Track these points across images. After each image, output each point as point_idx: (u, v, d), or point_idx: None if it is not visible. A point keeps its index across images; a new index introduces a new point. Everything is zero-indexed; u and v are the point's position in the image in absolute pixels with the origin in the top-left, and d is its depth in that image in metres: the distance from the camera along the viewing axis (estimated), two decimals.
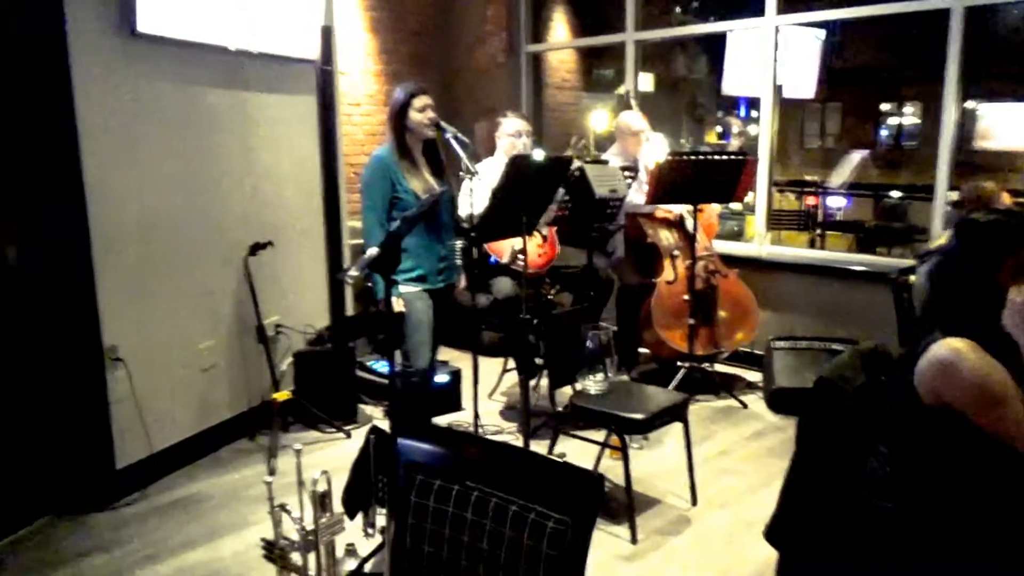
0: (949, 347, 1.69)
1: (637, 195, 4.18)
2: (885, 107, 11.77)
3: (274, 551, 2.14)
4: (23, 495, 3.02)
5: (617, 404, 2.95)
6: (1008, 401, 1.62)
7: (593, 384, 3.07)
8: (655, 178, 3.99)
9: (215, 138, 3.64)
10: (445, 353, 4.21)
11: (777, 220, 5.46)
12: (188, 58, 3.43)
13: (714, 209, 4.64)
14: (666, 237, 4.46)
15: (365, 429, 3.88)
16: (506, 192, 2.95)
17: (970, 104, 9.34)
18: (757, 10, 4.69)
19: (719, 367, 4.62)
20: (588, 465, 3.44)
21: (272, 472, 3.48)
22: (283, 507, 2.10)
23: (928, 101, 10.99)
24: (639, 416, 2.85)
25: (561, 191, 3.54)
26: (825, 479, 1.83)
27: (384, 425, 3.96)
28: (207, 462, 3.63)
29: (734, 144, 6.53)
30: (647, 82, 7.75)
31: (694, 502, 3.14)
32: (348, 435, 3.88)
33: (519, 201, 3.05)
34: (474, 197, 2.97)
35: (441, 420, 3.94)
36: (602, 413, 2.92)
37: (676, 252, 4.39)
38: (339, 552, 2.19)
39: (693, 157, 4.06)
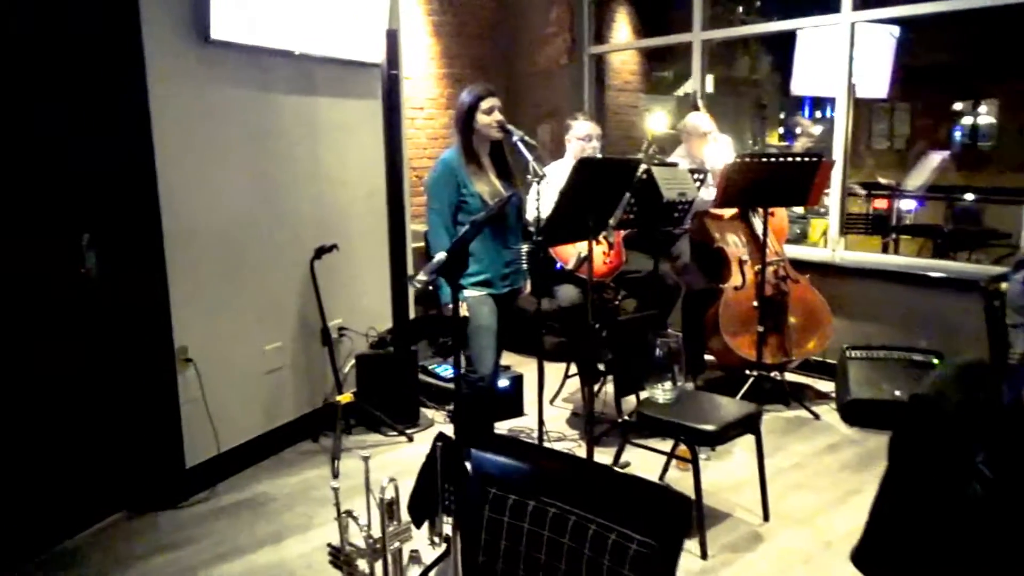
0: None
1: (707, 193, 4.06)
2: (958, 106, 11.30)
3: (340, 557, 2.12)
4: (97, 492, 3.09)
5: (687, 414, 2.85)
6: None
7: (661, 393, 2.98)
8: (724, 181, 3.87)
9: (283, 143, 3.68)
10: (506, 358, 4.17)
11: (847, 224, 5.25)
12: (258, 64, 3.48)
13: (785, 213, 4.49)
14: (734, 241, 4.33)
15: (427, 433, 3.95)
16: (573, 195, 2.88)
17: None
18: (831, 7, 4.52)
19: (789, 376, 4.46)
20: (653, 476, 3.36)
21: (335, 475, 3.50)
22: (349, 513, 2.08)
23: (1004, 99, 10.53)
24: (710, 427, 2.75)
25: (628, 195, 3.46)
26: (920, 503, 1.72)
27: (447, 430, 3.96)
28: (271, 463, 3.66)
29: (798, 145, 6.32)
30: (708, 83, 7.59)
31: (766, 517, 3.02)
32: (410, 439, 3.87)
33: (586, 204, 2.98)
34: (541, 200, 2.92)
35: (503, 426, 3.89)
36: (671, 423, 2.84)
37: (744, 257, 4.26)
38: (404, 559, 2.16)
39: (764, 159, 3.93)
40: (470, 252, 2.36)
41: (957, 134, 11.09)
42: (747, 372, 4.16)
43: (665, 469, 3.37)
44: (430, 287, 2.90)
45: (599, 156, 3.83)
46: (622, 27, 6.98)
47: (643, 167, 3.29)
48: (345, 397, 3.74)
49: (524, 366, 4.54)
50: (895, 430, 1.76)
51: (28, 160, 2.78)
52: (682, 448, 3.26)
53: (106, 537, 3.00)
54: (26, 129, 2.76)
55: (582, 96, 5.85)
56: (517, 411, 4.11)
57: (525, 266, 3.24)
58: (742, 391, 4.03)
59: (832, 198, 4.63)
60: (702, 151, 4.33)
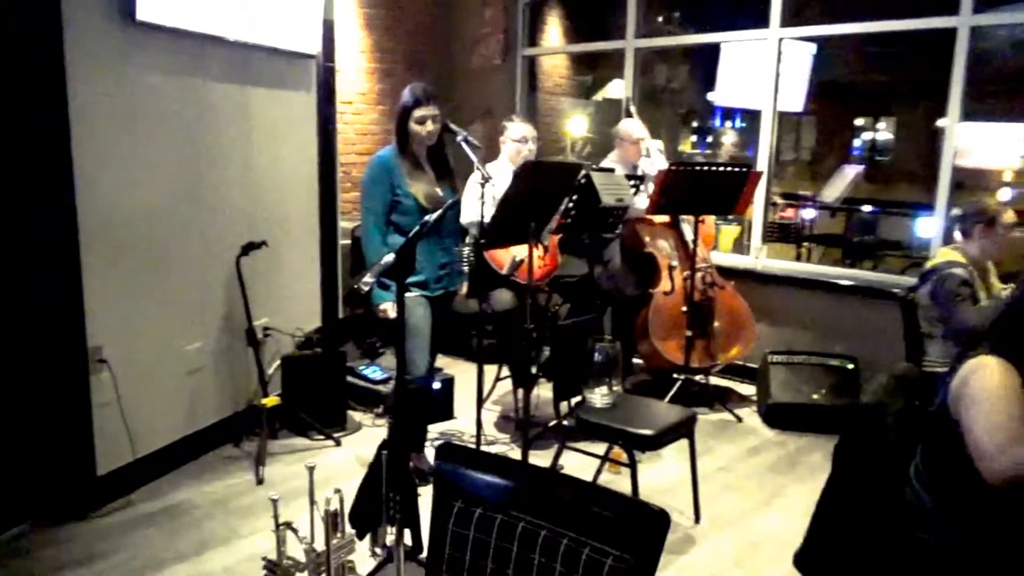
0: (978, 362, 1.66)
1: (640, 199, 4.12)
2: (859, 122, 11.94)
3: (277, 571, 2.02)
4: None
5: (625, 418, 2.88)
6: (993, 407, 1.58)
7: (599, 397, 3.00)
8: (658, 187, 3.93)
9: (212, 133, 3.51)
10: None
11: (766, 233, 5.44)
12: (188, 49, 3.30)
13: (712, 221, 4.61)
14: (664, 247, 4.41)
15: (355, 437, 3.85)
16: (516, 198, 2.86)
17: (941, 121, 9.50)
18: (758, 22, 4.67)
19: (713, 380, 4.58)
20: (586, 479, 3.37)
21: (260, 481, 3.36)
22: (289, 525, 1.98)
23: (903, 117, 11.20)
24: (649, 432, 2.78)
25: (566, 200, 3.46)
26: (863, 507, 1.78)
27: (376, 434, 3.87)
28: (192, 468, 3.49)
29: (711, 154, 6.54)
30: (623, 90, 7.73)
31: (697, 520, 3.08)
32: (338, 443, 3.76)
33: (528, 208, 2.97)
34: (486, 202, 2.88)
35: (433, 428, 3.83)
36: (610, 428, 2.85)
37: (674, 263, 4.34)
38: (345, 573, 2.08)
39: (697, 167, 4.02)
40: None
41: (856, 143, 11.72)
42: (674, 376, 4.25)
43: (598, 472, 3.39)
44: (365, 288, 2.82)
45: (541, 159, 3.82)
46: (553, 31, 7.02)
47: (582, 172, 3.30)
48: (271, 400, 3.60)
49: (452, 368, 4.50)
50: (840, 437, 1.82)
51: None
52: (615, 451, 3.29)
53: (9, 551, 2.78)
54: None
55: (514, 97, 5.84)
56: (448, 414, 4.07)
57: (465, 268, 3.20)
58: (670, 394, 4.11)
59: (756, 207, 4.78)
60: (636, 157, 4.39)
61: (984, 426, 1.59)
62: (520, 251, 3.60)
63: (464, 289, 3.42)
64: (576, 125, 8.23)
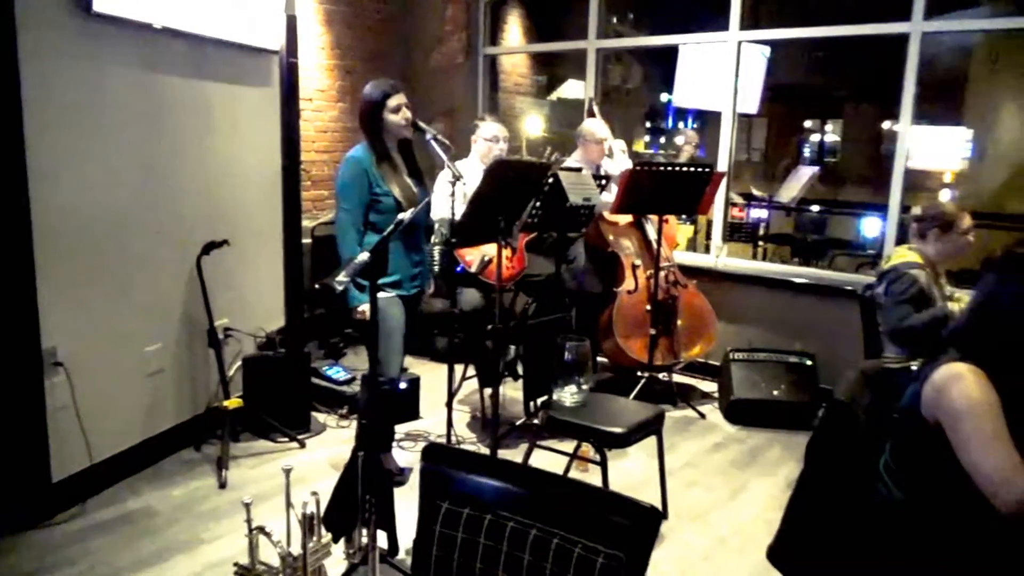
0: (951, 370, 1.70)
1: (606, 197, 4.15)
2: (808, 124, 12.25)
3: None
4: None
5: (594, 416, 2.89)
6: (981, 425, 1.62)
7: (568, 396, 3.01)
8: (623, 187, 3.96)
9: (171, 129, 3.42)
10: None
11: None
12: (147, 42, 3.20)
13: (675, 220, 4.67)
14: (628, 246, 4.45)
15: (319, 439, 3.80)
16: (487, 196, 2.86)
17: (887, 124, 9.80)
18: (714, 24, 4.75)
19: (676, 377, 4.64)
20: None
21: (223, 485, 3.29)
22: (262, 529, 1.95)
23: (848, 119, 11.53)
24: (619, 430, 2.80)
25: (533, 199, 3.47)
26: (834, 502, 1.82)
27: (340, 435, 3.83)
28: (150, 473, 3.39)
29: (683, 155, 6.62)
30: (577, 90, 7.78)
31: (665, 515, 3.12)
32: (302, 445, 3.70)
33: (498, 206, 2.96)
34: (456, 201, 2.87)
35: (400, 428, 3.80)
36: (580, 426, 2.86)
37: (637, 261, 4.39)
38: None
39: (661, 168, 4.06)
40: None
41: (806, 150, 12.02)
42: (638, 374, 4.29)
43: (567, 470, 3.40)
44: (339, 287, 2.78)
45: (515, 157, 3.82)
46: (514, 30, 7.02)
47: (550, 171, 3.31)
48: (233, 402, 3.52)
49: (416, 367, 4.47)
50: (813, 433, 1.86)
51: None
52: (583, 448, 3.31)
53: None
54: None
55: (477, 96, 5.83)
56: (413, 414, 4.04)
57: (436, 267, 3.18)
58: (634, 392, 4.15)
59: (716, 207, 4.86)
60: (599, 157, 4.43)
61: (978, 454, 1.61)
62: (489, 250, 3.60)
63: (432, 288, 3.40)
64: (533, 124, 8.25)
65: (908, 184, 4.32)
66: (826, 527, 1.82)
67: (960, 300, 3.19)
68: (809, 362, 4.23)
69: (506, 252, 3.79)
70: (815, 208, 7.70)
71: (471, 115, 4.36)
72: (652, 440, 3.03)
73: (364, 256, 2.06)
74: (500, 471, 1.37)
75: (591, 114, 4.73)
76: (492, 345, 3.58)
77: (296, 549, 1.91)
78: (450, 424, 3.08)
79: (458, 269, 3.81)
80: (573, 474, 3.40)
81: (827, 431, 1.84)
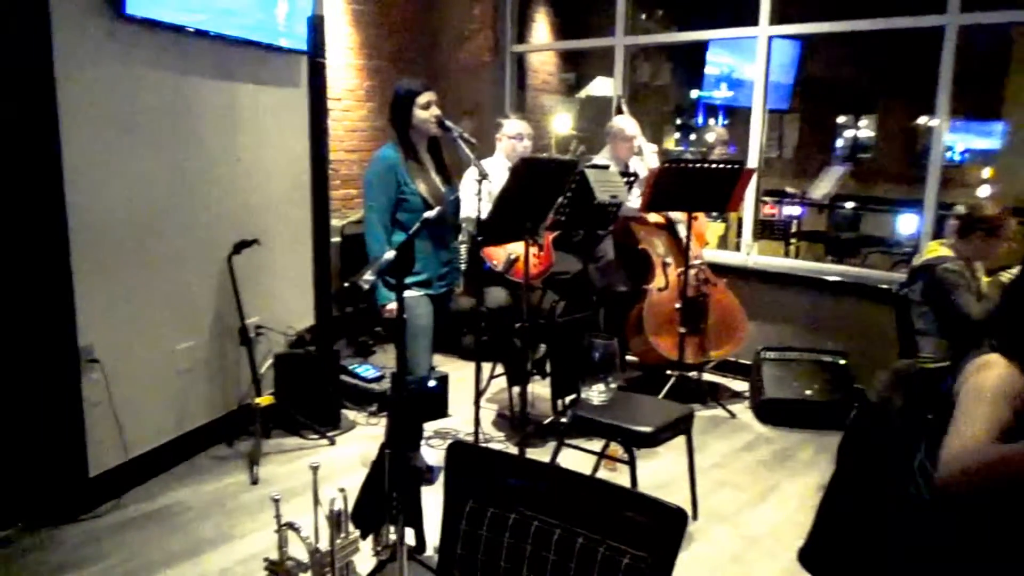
0: (984, 359, 1.66)
1: (634, 199, 4.13)
2: (841, 119, 12.04)
3: (279, 572, 2.00)
4: None
5: (623, 416, 2.87)
6: (976, 408, 1.57)
7: (596, 394, 2.99)
8: (650, 185, 3.94)
9: (203, 130, 3.47)
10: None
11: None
12: (177, 44, 3.25)
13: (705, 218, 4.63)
14: (658, 244, 4.42)
15: (349, 436, 3.83)
16: (513, 194, 2.85)
17: (922, 119, 9.60)
18: (745, 19, 4.68)
19: (706, 376, 4.60)
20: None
21: (254, 481, 3.33)
22: (291, 525, 1.96)
23: (882, 114, 11.32)
24: (647, 429, 2.78)
25: (560, 197, 3.45)
26: (867, 504, 1.79)
27: (370, 432, 3.85)
28: (183, 469, 3.45)
29: (715, 153, 6.55)
30: (605, 87, 7.73)
31: (695, 516, 3.09)
32: (332, 442, 3.73)
33: (525, 204, 2.96)
34: (483, 199, 2.86)
35: (429, 427, 3.81)
36: (608, 425, 2.85)
37: (668, 259, 4.35)
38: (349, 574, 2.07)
39: (689, 165, 4.02)
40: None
41: (839, 144, 11.82)
42: (667, 372, 4.26)
43: (595, 470, 3.39)
44: (366, 286, 2.80)
45: (540, 155, 3.81)
46: (541, 27, 7.01)
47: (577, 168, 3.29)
48: (265, 399, 3.57)
49: (445, 365, 4.48)
50: (845, 434, 1.82)
51: None
52: (611, 448, 3.29)
53: (0, 554, 2.73)
54: None
55: (503, 94, 5.83)
56: (442, 412, 4.05)
57: (463, 265, 3.18)
58: (663, 391, 4.12)
59: (747, 204, 4.80)
60: (628, 154, 4.40)
61: (954, 430, 1.57)
62: (515, 248, 3.59)
63: (461, 287, 3.40)
64: (561, 122, 8.23)
65: (945, 180, 4.23)
66: (858, 530, 1.79)
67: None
68: (842, 361, 4.16)
69: (532, 249, 3.80)
70: (849, 205, 7.59)
71: (498, 113, 4.36)
72: (681, 440, 3.01)
73: (390, 254, 2.06)
74: (524, 470, 1.36)
75: (620, 111, 4.70)
76: (520, 343, 3.58)
77: (325, 545, 1.93)
78: (477, 422, 3.08)
79: (484, 267, 3.81)
80: (601, 473, 3.38)
81: (860, 432, 1.80)
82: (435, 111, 3.00)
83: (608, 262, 4.44)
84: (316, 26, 3.75)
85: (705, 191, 3.98)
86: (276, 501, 1.97)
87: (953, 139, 8.63)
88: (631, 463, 2.80)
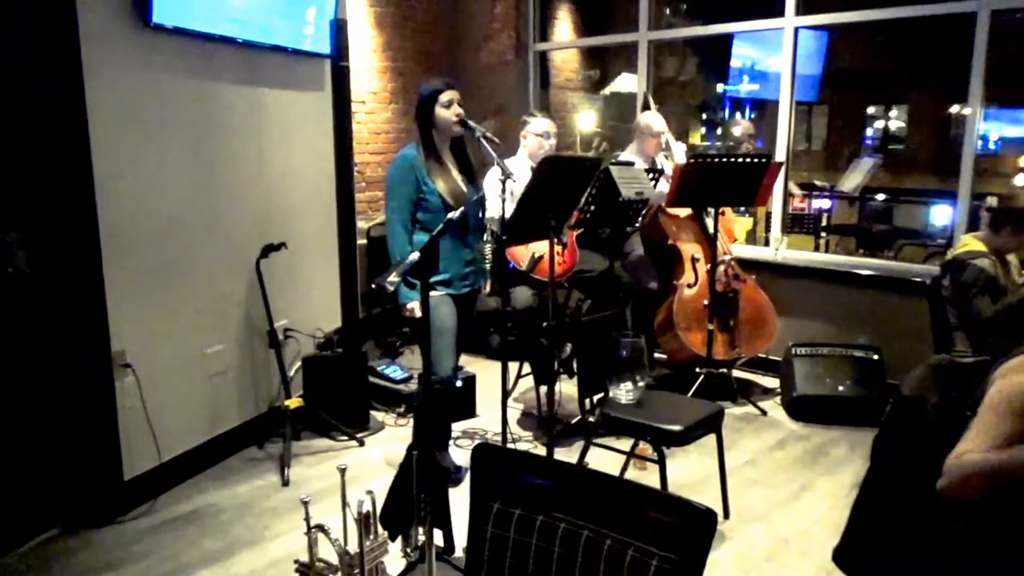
0: (1014, 364, 1.62)
1: (663, 187, 4.09)
2: (871, 110, 11.82)
3: (309, 574, 2.01)
4: (29, 507, 2.88)
5: (652, 414, 2.85)
6: (990, 418, 1.53)
7: (624, 393, 2.97)
8: (677, 180, 3.90)
9: (228, 135, 3.51)
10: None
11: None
12: (203, 52, 3.29)
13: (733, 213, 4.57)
14: (687, 239, 4.38)
15: (378, 437, 3.84)
16: (537, 193, 2.84)
17: (955, 108, 9.39)
18: (770, 11, 4.62)
19: (736, 373, 4.54)
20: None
21: (285, 483, 3.35)
22: (321, 527, 1.97)
23: (914, 104, 11.08)
24: (676, 428, 2.75)
25: (584, 194, 3.43)
26: (903, 502, 1.75)
27: (398, 433, 3.87)
28: (216, 472, 3.49)
29: (741, 147, 6.46)
30: (630, 83, 7.68)
31: (726, 515, 3.06)
32: (361, 443, 3.75)
33: (549, 202, 2.94)
34: (507, 198, 2.86)
35: (456, 427, 3.82)
36: (637, 424, 2.82)
37: (697, 255, 4.31)
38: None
39: (716, 159, 3.98)
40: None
41: (869, 135, 11.60)
42: (696, 369, 4.21)
43: (624, 469, 3.36)
44: (390, 288, 2.80)
45: (565, 153, 3.79)
46: (564, 25, 6.98)
47: (601, 166, 3.27)
48: (294, 401, 3.60)
49: (472, 365, 4.48)
50: (880, 430, 1.78)
51: None
52: (641, 447, 3.27)
53: (40, 556, 2.79)
54: None
55: (527, 93, 5.82)
56: (470, 412, 4.06)
57: (487, 265, 3.18)
58: (692, 389, 4.08)
59: (775, 198, 4.73)
60: (655, 150, 4.36)
61: (965, 435, 1.55)
62: (539, 247, 3.58)
63: (488, 287, 3.39)
64: (586, 120, 8.19)
65: (979, 169, 4.13)
66: (894, 528, 1.75)
67: None
68: (875, 356, 4.08)
69: (557, 248, 3.78)
70: (880, 197, 7.45)
71: (522, 112, 4.33)
72: (711, 438, 2.97)
73: (414, 256, 2.06)
74: (550, 471, 1.35)
75: (646, 107, 4.66)
76: (547, 342, 3.56)
77: (354, 547, 1.93)
78: (505, 422, 3.08)
79: (509, 267, 3.80)
80: (631, 473, 3.36)
81: (895, 428, 1.76)
82: (457, 110, 2.99)
83: (638, 258, 4.41)
84: (339, 30, 3.76)
85: (732, 186, 3.94)
86: (306, 504, 1.98)
87: (987, 127, 8.43)
88: (661, 462, 2.77)
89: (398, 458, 3.33)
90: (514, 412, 4.20)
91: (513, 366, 4.33)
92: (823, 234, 6.74)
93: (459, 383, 3.87)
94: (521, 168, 3.73)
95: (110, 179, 2.92)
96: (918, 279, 4.06)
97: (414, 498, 2.02)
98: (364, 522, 1.88)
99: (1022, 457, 1.47)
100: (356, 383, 3.92)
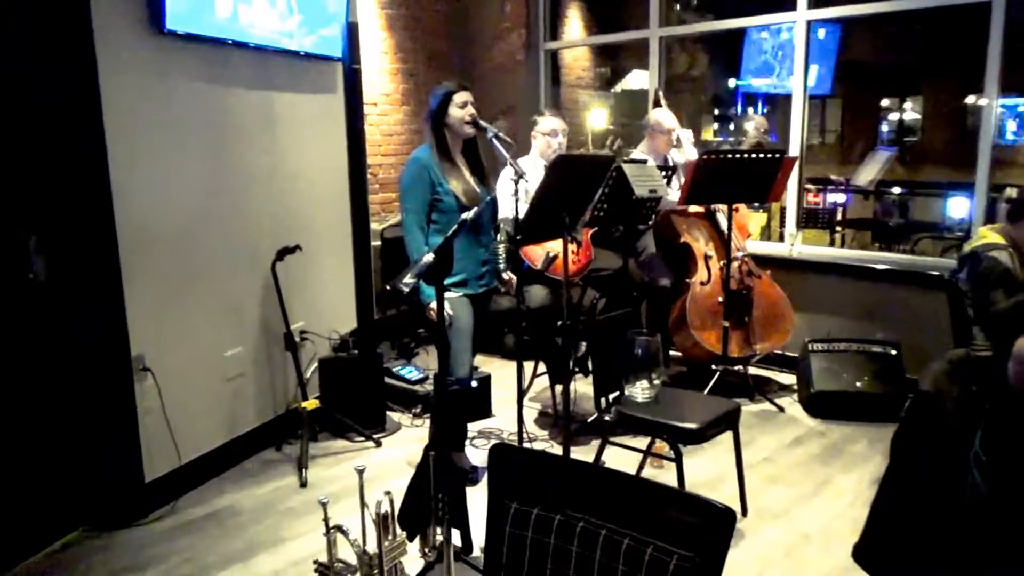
0: None
1: (674, 195, 4.09)
2: (885, 103, 11.71)
3: (329, 575, 2.03)
4: (52, 510, 2.91)
5: (668, 412, 2.84)
6: None
7: (640, 391, 2.96)
8: (690, 177, 3.89)
9: (242, 139, 3.53)
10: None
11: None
12: (216, 57, 3.32)
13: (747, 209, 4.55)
14: (700, 237, 4.36)
15: (395, 438, 3.86)
16: (549, 192, 2.84)
17: (971, 99, 9.28)
18: (784, 5, 4.59)
19: (752, 370, 4.52)
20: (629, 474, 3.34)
21: (303, 484, 3.38)
22: (340, 528, 1.99)
23: (929, 97, 10.97)
24: (693, 425, 2.74)
25: (598, 193, 3.43)
26: (923, 497, 1.74)
27: (415, 434, 3.88)
28: (234, 473, 3.52)
29: (753, 142, 6.43)
30: (641, 80, 7.65)
31: (744, 513, 3.04)
32: (378, 444, 3.77)
33: (561, 202, 2.94)
34: (520, 198, 2.86)
35: (472, 427, 3.82)
36: (653, 422, 2.82)
37: (710, 252, 4.29)
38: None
39: (729, 155, 3.96)
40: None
41: (884, 128, 11.50)
42: (712, 367, 4.20)
43: (640, 468, 3.36)
44: (406, 289, 2.81)
45: (576, 152, 3.79)
46: (574, 23, 6.98)
47: (614, 164, 3.26)
48: (311, 403, 3.62)
49: (487, 365, 4.49)
50: (899, 426, 1.77)
51: None
52: (657, 445, 3.26)
53: (63, 558, 2.83)
54: None
55: (538, 92, 5.82)
56: (486, 412, 4.06)
57: (502, 265, 3.18)
58: (709, 386, 4.06)
59: (789, 193, 4.71)
60: (667, 147, 4.35)
61: None
62: (553, 246, 3.58)
63: (508, 277, 3.37)
64: (597, 117, 8.19)
65: (997, 161, 4.09)
66: (914, 524, 1.74)
67: None
68: (894, 351, 4.05)
69: (571, 246, 3.78)
70: (896, 190, 7.39)
71: (533, 111, 4.34)
72: (728, 436, 2.96)
73: (429, 257, 2.07)
74: (567, 470, 1.36)
75: (657, 104, 4.65)
76: (561, 341, 3.56)
77: (373, 547, 1.95)
78: (521, 422, 3.08)
79: (523, 267, 3.80)
80: (648, 471, 3.35)
81: (914, 423, 1.75)
82: (470, 110, 3.00)
83: (650, 256, 4.40)
84: (351, 33, 3.78)
85: (746, 181, 3.92)
86: (324, 505, 2.00)
87: (1004, 118, 8.34)
88: (678, 460, 2.77)
89: (415, 458, 3.35)
90: (530, 412, 4.20)
91: (528, 365, 4.33)
92: (838, 228, 6.70)
93: (474, 383, 3.88)
94: (533, 168, 3.73)
95: (127, 184, 2.95)
96: (935, 273, 4.02)
97: (432, 498, 2.03)
98: (382, 522, 1.89)
99: None
100: (372, 384, 3.94)
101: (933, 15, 4.17)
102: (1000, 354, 2.66)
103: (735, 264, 4.17)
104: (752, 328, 4.24)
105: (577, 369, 3.99)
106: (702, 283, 4.24)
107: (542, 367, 4.26)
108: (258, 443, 3.71)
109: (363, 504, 1.92)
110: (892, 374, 3.98)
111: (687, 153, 4.32)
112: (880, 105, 11.61)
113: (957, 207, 6.30)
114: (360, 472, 1.96)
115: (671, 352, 4.53)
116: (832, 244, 6.59)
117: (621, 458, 3.24)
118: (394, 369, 4.27)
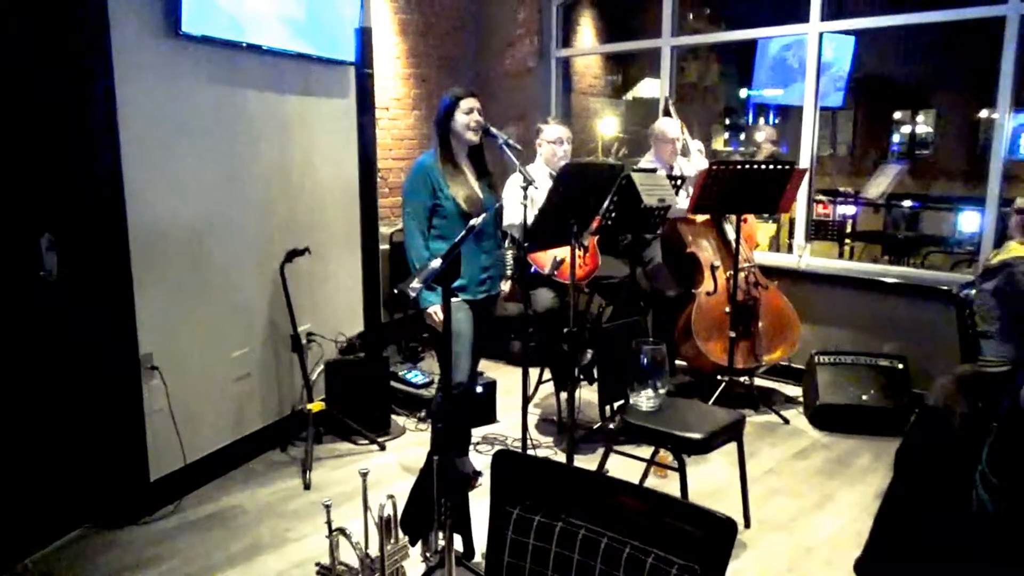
0: None
1: (683, 203, 4.09)
2: (897, 115, 11.67)
3: None
4: (58, 506, 2.93)
5: (673, 422, 2.84)
6: None
7: (644, 400, 2.96)
8: (699, 186, 3.89)
9: (254, 141, 3.56)
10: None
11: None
12: (230, 59, 3.35)
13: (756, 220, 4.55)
14: (707, 247, 4.36)
15: (399, 441, 3.87)
16: (557, 200, 2.85)
17: (984, 113, 9.25)
18: (795, 16, 4.59)
19: (758, 381, 4.51)
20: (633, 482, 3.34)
21: (307, 486, 3.38)
22: (342, 531, 1.99)
23: (942, 109, 10.93)
24: (698, 436, 2.74)
25: (606, 201, 3.43)
26: (927, 513, 1.73)
27: (419, 438, 3.89)
28: (239, 474, 3.53)
29: (764, 153, 6.43)
30: (653, 89, 7.66)
31: (747, 524, 3.04)
32: (382, 447, 3.78)
33: (569, 209, 2.95)
34: (530, 204, 2.87)
35: (476, 432, 3.83)
36: (658, 432, 2.82)
37: (716, 262, 4.29)
38: None
39: (738, 166, 3.96)
40: None
41: (896, 140, 11.45)
42: (718, 377, 4.19)
43: (644, 477, 3.35)
44: (412, 294, 2.82)
45: (580, 160, 3.80)
46: (586, 31, 7.00)
47: (623, 173, 3.27)
48: (316, 405, 3.64)
49: (493, 371, 4.50)
50: (904, 440, 1.77)
51: None
52: (661, 455, 3.26)
53: (68, 555, 2.84)
54: None
55: (549, 99, 5.83)
56: (490, 417, 4.07)
57: (508, 272, 3.19)
58: (714, 396, 4.06)
59: (799, 205, 4.70)
60: (672, 157, 4.35)
61: None
62: (561, 251, 3.58)
63: (506, 287, 3.38)
64: (607, 125, 8.20)
65: (1009, 175, 4.07)
66: (917, 539, 1.73)
67: None
68: (900, 365, 4.04)
69: (578, 252, 3.78)
70: (906, 203, 7.37)
71: (545, 118, 4.35)
72: (733, 447, 2.96)
73: (437, 263, 2.08)
74: (570, 478, 1.36)
75: (667, 113, 4.65)
76: (567, 348, 3.57)
77: (375, 551, 1.95)
78: (525, 428, 3.09)
79: (531, 271, 3.81)
80: (651, 481, 3.35)
81: (919, 438, 1.75)
82: (476, 117, 3.01)
83: (657, 266, 4.41)
84: (364, 37, 3.81)
85: (755, 192, 3.92)
86: (327, 507, 2.00)
87: (1017, 132, 8.30)
88: (681, 470, 2.77)
89: (418, 462, 3.35)
90: (534, 418, 4.20)
91: (533, 372, 4.33)
92: (848, 241, 6.69)
93: (479, 388, 3.89)
94: (539, 175, 3.74)
95: (139, 184, 2.98)
96: (945, 287, 4.01)
97: (434, 503, 2.03)
98: (385, 526, 1.90)
99: None
100: (377, 387, 3.95)
101: (948, 29, 4.17)
102: (1007, 370, 2.64)
103: (742, 275, 4.17)
104: (758, 339, 4.24)
105: (582, 376, 3.99)
106: (708, 293, 4.23)
107: (547, 374, 4.26)
108: (263, 444, 3.72)
109: (366, 507, 1.93)
110: (899, 388, 3.96)
111: (696, 163, 4.33)
112: (892, 118, 11.58)
113: (968, 221, 6.28)
114: (364, 475, 1.97)
115: (676, 362, 4.52)
116: (841, 256, 6.58)
117: (625, 467, 3.24)
118: (400, 373, 4.28)
